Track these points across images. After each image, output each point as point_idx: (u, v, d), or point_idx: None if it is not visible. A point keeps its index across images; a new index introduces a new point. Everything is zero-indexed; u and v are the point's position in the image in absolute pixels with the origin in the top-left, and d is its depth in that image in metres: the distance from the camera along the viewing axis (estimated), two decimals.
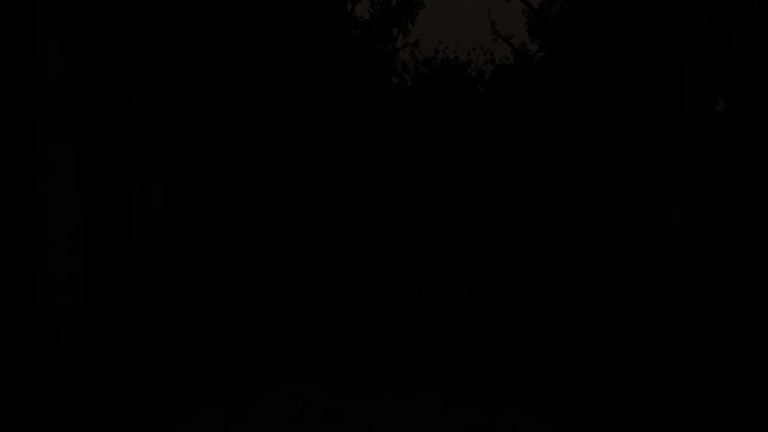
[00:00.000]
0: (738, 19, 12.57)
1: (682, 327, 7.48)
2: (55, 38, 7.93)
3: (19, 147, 15.50)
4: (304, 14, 15.71)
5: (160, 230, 12.85)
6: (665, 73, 13.11)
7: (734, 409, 4.67)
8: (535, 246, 17.56)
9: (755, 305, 8.82)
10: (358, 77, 20.10)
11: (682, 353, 6.26)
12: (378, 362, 5.88)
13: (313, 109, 16.21)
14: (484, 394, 4.96)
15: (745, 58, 12.86)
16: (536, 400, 4.86)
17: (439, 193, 26.28)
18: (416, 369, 5.67)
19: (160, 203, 12.79)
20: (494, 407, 4.67)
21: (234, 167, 15.43)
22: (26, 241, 16.11)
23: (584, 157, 20.37)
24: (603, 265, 13.26)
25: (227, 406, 4.66)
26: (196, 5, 13.23)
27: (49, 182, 8.01)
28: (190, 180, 15.85)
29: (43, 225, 8.02)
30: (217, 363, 5.83)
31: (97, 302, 8.77)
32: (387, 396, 4.91)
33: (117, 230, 13.22)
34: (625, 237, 17.37)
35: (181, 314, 8.11)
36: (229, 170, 15.41)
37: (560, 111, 21.77)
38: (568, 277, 11.62)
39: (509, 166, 25.49)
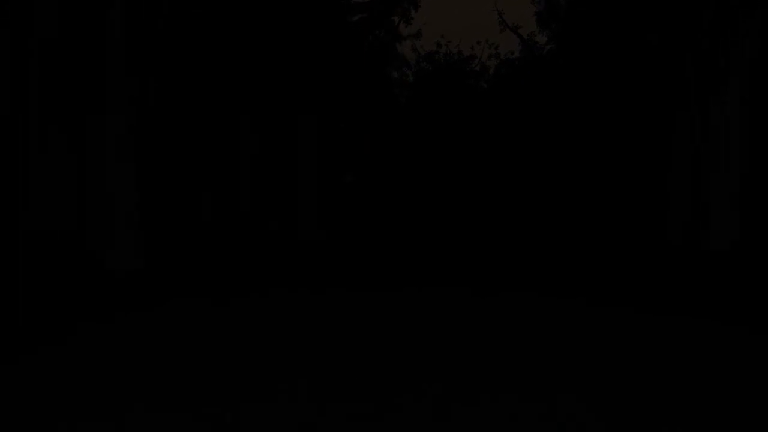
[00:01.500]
0: None
1: (693, 328, 7.48)
2: None
3: None
4: (300, 4, 15.48)
5: (128, 232, 10.10)
6: (673, 69, 13.03)
7: (734, 409, 4.67)
8: (539, 245, 17.56)
9: None
10: (356, 70, 19.82)
11: (683, 353, 6.26)
12: (378, 362, 5.89)
13: (311, 109, 16.07)
14: (485, 394, 4.97)
15: None
16: (536, 400, 4.87)
17: (440, 192, 26.26)
18: (417, 370, 5.68)
19: (123, 194, 9.97)
20: (496, 407, 4.68)
21: (228, 168, 14.99)
22: None
23: (592, 156, 20.27)
24: (606, 265, 13.25)
25: (227, 406, 4.67)
26: None
27: None
28: (174, 172, 14.29)
29: None
30: (216, 364, 5.84)
31: None
32: (387, 396, 4.92)
33: (66, 234, 10.03)
34: (639, 237, 17.27)
35: (178, 315, 8.12)
36: (223, 170, 14.92)
37: (569, 106, 21.59)
38: (571, 277, 11.62)
39: (512, 165, 25.41)
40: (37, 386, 5.20)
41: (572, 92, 21.08)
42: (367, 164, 22.35)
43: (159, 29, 11.57)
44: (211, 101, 14.35)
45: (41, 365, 5.81)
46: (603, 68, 17.52)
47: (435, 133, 26.42)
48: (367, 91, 21.48)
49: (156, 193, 12.92)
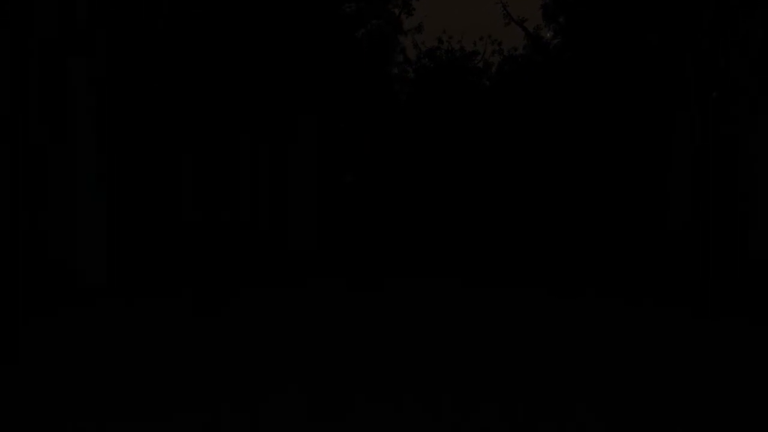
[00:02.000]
0: None
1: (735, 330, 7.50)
2: None
3: None
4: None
5: (94, 242, 9.53)
6: (673, 69, 13.00)
7: (735, 409, 4.69)
8: (543, 245, 17.56)
9: None
10: (355, 64, 19.61)
11: (691, 353, 6.28)
12: (379, 361, 5.91)
13: (312, 109, 16.00)
14: (490, 394, 4.99)
15: None
16: (537, 398, 4.89)
17: (443, 191, 26.21)
18: (417, 366, 5.70)
19: (90, 203, 9.47)
20: (499, 407, 4.70)
21: (226, 172, 14.71)
22: None
23: (593, 155, 20.20)
24: (608, 262, 13.26)
25: (229, 407, 4.70)
26: None
27: None
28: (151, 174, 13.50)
29: None
30: (219, 363, 5.87)
31: None
32: (390, 401, 4.94)
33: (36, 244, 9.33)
34: (638, 236, 17.26)
35: (173, 313, 8.16)
36: (219, 174, 14.61)
37: (572, 104, 21.45)
38: (574, 274, 11.64)
39: (514, 164, 25.32)
40: (34, 387, 5.25)
41: (576, 90, 20.98)
42: (367, 164, 22.34)
43: (159, 29, 11.56)
44: (206, 102, 14.25)
45: (39, 366, 5.85)
46: (606, 67, 17.48)
47: (436, 132, 26.30)
48: (367, 87, 21.37)
49: (131, 201, 12.54)
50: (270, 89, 15.26)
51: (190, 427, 4.44)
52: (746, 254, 12.13)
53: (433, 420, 4.62)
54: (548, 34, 24.44)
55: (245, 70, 14.76)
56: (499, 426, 4.49)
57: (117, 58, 11.59)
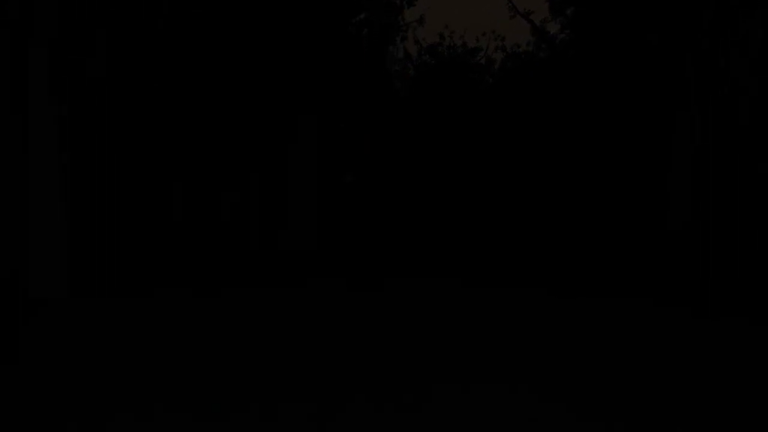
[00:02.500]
0: None
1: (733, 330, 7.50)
2: None
3: None
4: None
5: (52, 249, 8.65)
6: (673, 69, 12.96)
7: (735, 409, 4.69)
8: (545, 246, 17.56)
9: None
10: (355, 59, 19.46)
11: (692, 352, 6.28)
12: (380, 361, 5.92)
13: (311, 109, 15.94)
14: (491, 394, 4.99)
15: None
16: (538, 398, 4.89)
17: (443, 191, 26.19)
18: (417, 366, 5.71)
19: (49, 206, 8.68)
20: (500, 406, 4.71)
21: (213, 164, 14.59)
22: None
23: (593, 155, 20.19)
24: (608, 262, 13.26)
25: (228, 407, 4.70)
26: None
27: None
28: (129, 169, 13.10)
29: None
30: (217, 363, 5.87)
31: None
32: (402, 396, 4.95)
33: None
34: (638, 236, 17.25)
35: (171, 313, 8.15)
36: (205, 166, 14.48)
37: (576, 102, 21.37)
38: (576, 275, 11.65)
39: (516, 163, 25.30)
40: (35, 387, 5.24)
41: (579, 88, 20.92)
42: (367, 164, 22.33)
43: (159, 29, 11.53)
44: (206, 101, 14.17)
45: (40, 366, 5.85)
46: (608, 65, 17.46)
47: (437, 131, 26.27)
48: (367, 84, 21.30)
49: (128, 202, 11.92)
50: (269, 89, 15.22)
51: (189, 427, 4.44)
52: None
53: (433, 420, 4.62)
54: (555, 28, 24.17)
55: (245, 69, 14.74)
56: (499, 426, 4.49)
57: (117, 58, 11.53)
